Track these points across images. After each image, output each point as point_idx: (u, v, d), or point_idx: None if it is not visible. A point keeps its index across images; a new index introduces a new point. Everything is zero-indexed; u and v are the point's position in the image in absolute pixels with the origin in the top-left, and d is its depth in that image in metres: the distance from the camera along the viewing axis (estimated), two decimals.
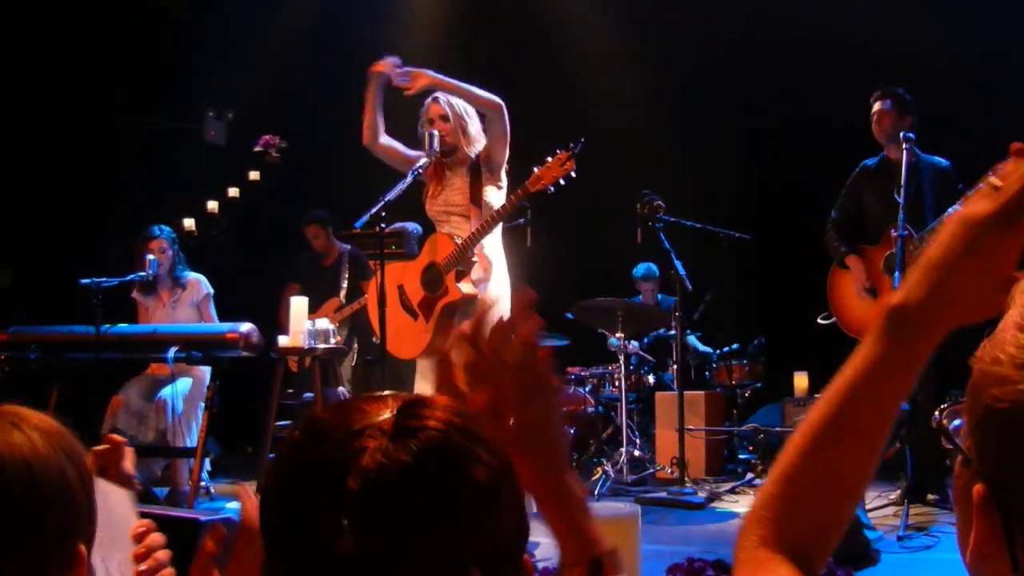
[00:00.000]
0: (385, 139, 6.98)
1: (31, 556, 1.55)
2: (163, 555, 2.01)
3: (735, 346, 10.34)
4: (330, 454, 1.16)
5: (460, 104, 6.77)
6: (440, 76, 6.70)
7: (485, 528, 1.16)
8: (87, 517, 1.65)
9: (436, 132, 6.67)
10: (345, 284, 10.08)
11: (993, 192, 1.25)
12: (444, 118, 6.77)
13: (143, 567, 1.97)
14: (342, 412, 1.23)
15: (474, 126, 6.77)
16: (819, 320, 8.16)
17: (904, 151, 7.19)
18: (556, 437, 1.62)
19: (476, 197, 6.68)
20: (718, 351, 10.47)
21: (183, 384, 8.49)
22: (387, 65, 6.89)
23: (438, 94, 6.81)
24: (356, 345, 9.99)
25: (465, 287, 6.55)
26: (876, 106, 7.78)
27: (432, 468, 1.15)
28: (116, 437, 2.34)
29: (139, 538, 2.00)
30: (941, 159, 7.75)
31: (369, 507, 1.12)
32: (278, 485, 1.23)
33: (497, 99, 6.60)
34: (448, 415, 1.20)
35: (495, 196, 6.70)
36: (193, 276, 8.98)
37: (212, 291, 8.96)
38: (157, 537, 2.02)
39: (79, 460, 1.66)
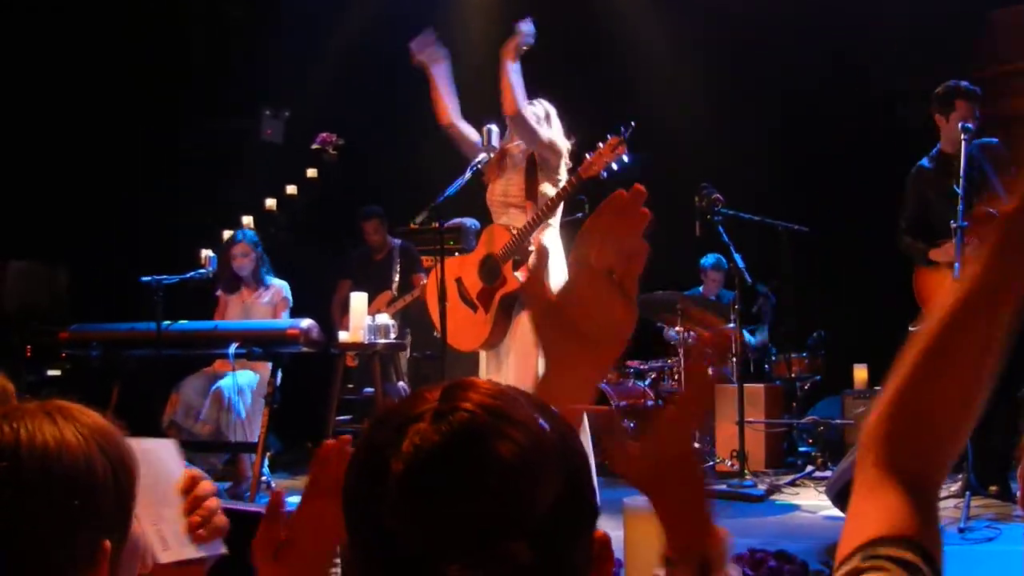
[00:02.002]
0: (462, 124, 6.97)
1: (42, 544, 1.56)
2: (212, 503, 2.00)
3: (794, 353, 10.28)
4: (385, 438, 1.23)
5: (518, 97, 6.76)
6: (508, 69, 6.65)
7: (519, 503, 1.19)
8: (115, 514, 1.65)
9: (495, 128, 6.68)
10: (397, 277, 10.10)
11: None
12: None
13: (195, 519, 1.97)
14: (406, 400, 1.29)
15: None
16: (911, 329, 8.11)
17: (962, 142, 7.11)
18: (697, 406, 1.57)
19: (532, 191, 6.67)
20: (775, 345, 10.41)
21: (243, 379, 8.54)
22: (425, 47, 6.96)
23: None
24: (410, 339, 10.00)
25: (523, 276, 6.54)
26: (936, 116, 7.73)
27: (458, 448, 1.19)
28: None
29: (186, 491, 1.99)
30: (989, 138, 7.62)
31: (407, 486, 1.18)
32: (349, 469, 1.30)
33: (514, 106, 6.55)
34: (481, 396, 1.24)
35: (551, 190, 6.70)
36: (277, 282, 9.14)
37: (291, 298, 9.03)
38: (205, 485, 2.01)
39: (116, 456, 1.66)
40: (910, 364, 1.37)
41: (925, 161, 7.89)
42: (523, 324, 6.62)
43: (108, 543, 1.62)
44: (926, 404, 1.35)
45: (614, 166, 6.34)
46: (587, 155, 6.42)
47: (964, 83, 7.69)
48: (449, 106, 6.95)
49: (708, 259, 10.91)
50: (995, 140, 7.61)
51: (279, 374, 8.03)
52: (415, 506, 1.18)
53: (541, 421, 1.25)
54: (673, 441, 1.52)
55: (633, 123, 6.38)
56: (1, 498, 1.54)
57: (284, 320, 8.28)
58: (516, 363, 6.58)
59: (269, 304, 8.99)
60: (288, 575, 1.77)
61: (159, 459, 2.03)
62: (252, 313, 8.88)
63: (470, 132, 6.94)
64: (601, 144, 6.37)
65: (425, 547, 1.18)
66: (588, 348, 1.68)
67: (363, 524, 1.24)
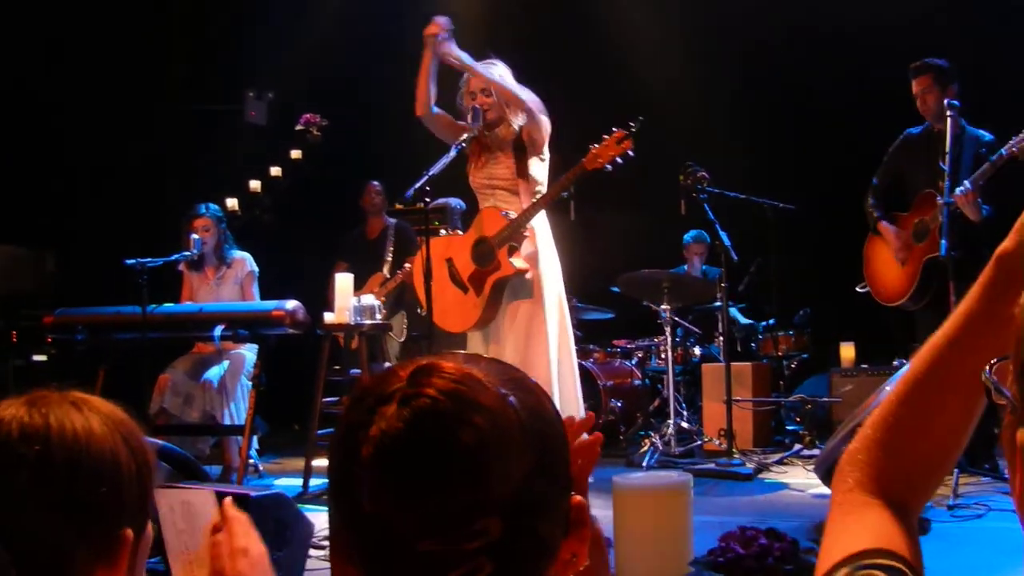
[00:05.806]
0: (436, 110, 6.91)
1: (68, 529, 1.58)
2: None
3: (772, 321, 10.29)
4: (357, 419, 1.26)
5: (503, 76, 6.72)
6: (472, 64, 6.64)
7: (485, 484, 1.21)
8: (138, 504, 1.68)
9: (479, 107, 6.65)
10: (390, 258, 10.07)
11: None
12: (485, 92, 6.74)
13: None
14: (380, 378, 1.31)
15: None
16: (857, 289, 8.15)
17: (949, 118, 7.10)
18: None
19: (523, 172, 6.65)
20: (763, 323, 10.43)
21: (229, 362, 8.52)
22: (439, 27, 6.81)
23: (479, 66, 6.76)
24: (406, 321, 9.96)
25: (517, 262, 6.53)
26: (915, 85, 7.70)
27: (420, 434, 1.22)
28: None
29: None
30: (985, 132, 7.62)
31: (376, 471, 1.22)
32: (331, 445, 1.33)
33: (524, 97, 6.52)
34: (445, 382, 1.26)
35: (537, 168, 6.67)
36: (239, 254, 9.01)
37: (257, 270, 8.97)
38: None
39: (137, 447, 1.69)
40: (898, 393, 1.37)
41: (914, 130, 7.89)
42: (520, 310, 6.60)
43: (130, 532, 1.64)
44: (913, 434, 1.37)
45: (619, 160, 6.31)
46: (591, 146, 6.38)
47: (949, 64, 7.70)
48: (431, 96, 6.86)
49: (688, 234, 10.94)
50: (990, 136, 7.57)
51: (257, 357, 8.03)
52: (383, 489, 1.22)
53: (511, 399, 1.27)
54: None
55: (642, 118, 6.35)
56: (31, 482, 1.56)
57: (270, 302, 8.23)
58: (514, 349, 6.57)
59: (236, 283, 8.93)
60: None
61: (201, 513, 2.05)
62: (221, 294, 8.83)
63: (445, 115, 6.90)
64: (606, 136, 6.33)
65: (397, 527, 1.21)
66: None
67: (343, 502, 1.27)
